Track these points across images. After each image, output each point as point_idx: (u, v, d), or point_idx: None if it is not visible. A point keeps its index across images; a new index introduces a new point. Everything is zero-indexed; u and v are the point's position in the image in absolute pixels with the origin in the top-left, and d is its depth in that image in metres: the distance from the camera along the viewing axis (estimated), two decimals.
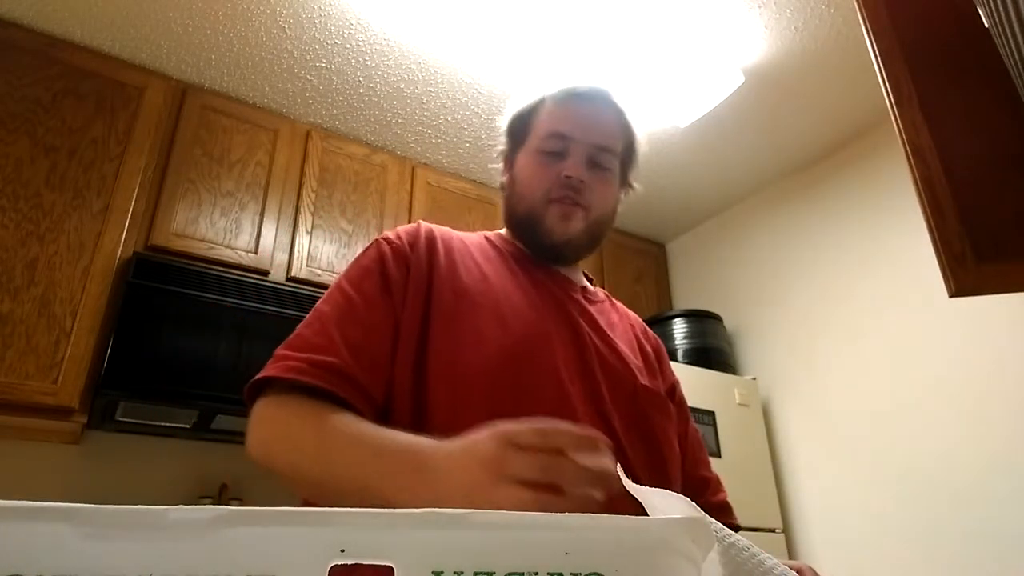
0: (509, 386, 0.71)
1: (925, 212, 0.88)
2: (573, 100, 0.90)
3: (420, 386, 0.70)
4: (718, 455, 2.18)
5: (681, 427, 0.90)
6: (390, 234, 0.83)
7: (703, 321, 2.58)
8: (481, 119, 2.38)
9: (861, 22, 1.00)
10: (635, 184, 0.98)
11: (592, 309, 0.87)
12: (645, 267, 3.05)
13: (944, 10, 0.99)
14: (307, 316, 0.74)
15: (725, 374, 2.41)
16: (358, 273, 0.78)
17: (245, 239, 2.07)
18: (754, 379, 2.49)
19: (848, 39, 2.02)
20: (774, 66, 2.14)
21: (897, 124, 0.92)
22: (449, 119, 2.40)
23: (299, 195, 2.23)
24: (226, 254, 2.01)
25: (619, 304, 0.99)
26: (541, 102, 0.91)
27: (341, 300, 0.74)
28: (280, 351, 0.70)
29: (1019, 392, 1.83)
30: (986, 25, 0.90)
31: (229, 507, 0.24)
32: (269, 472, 0.67)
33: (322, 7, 1.96)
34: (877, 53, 0.97)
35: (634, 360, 0.85)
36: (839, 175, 2.50)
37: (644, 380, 0.83)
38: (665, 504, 0.34)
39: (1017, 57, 0.82)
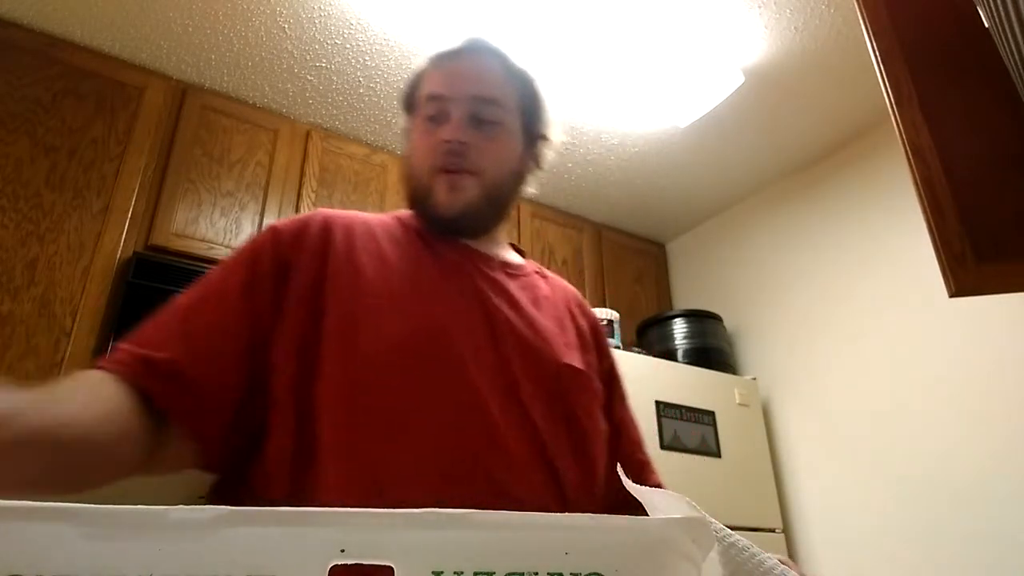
0: (409, 381, 0.66)
1: (925, 212, 0.88)
2: (446, 58, 0.84)
3: (308, 388, 0.64)
4: (718, 455, 2.18)
5: (619, 408, 0.87)
6: (279, 223, 0.76)
7: (703, 321, 2.58)
8: None
9: (861, 22, 1.00)
10: (551, 135, 0.90)
11: (512, 285, 0.81)
12: (645, 267, 3.04)
13: (944, 10, 0.99)
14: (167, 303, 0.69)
15: (725, 374, 2.41)
16: (232, 264, 0.72)
17: (245, 239, 2.07)
18: (754, 379, 2.49)
19: (848, 39, 2.02)
20: (774, 66, 2.14)
21: (897, 124, 0.92)
22: None
23: (299, 195, 2.23)
24: (226, 254, 2.01)
25: (553, 277, 0.92)
26: (423, 70, 0.85)
27: (198, 293, 0.69)
28: (120, 343, 0.64)
29: (1019, 392, 1.83)
30: (986, 25, 0.90)
31: (229, 507, 0.24)
32: None
33: (322, 7, 1.96)
34: (877, 53, 0.97)
35: (559, 337, 0.79)
36: (839, 175, 2.50)
37: (568, 358, 0.77)
38: (665, 504, 0.34)
39: (1017, 57, 0.82)
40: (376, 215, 0.84)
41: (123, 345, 0.62)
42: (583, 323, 0.87)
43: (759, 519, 2.18)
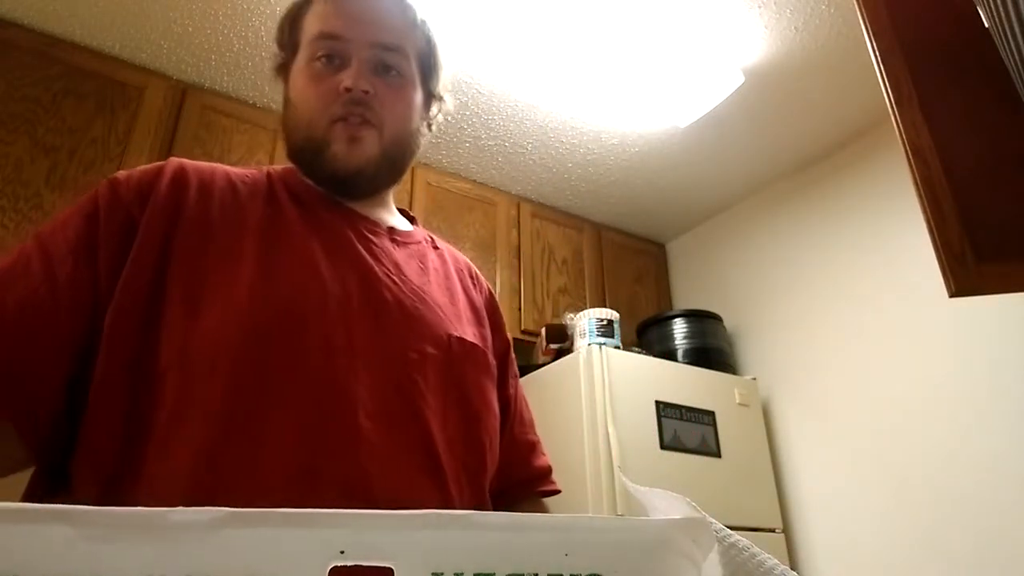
0: (256, 370, 0.57)
1: (925, 212, 0.88)
2: None
3: (145, 371, 0.56)
4: (718, 455, 2.18)
5: (511, 386, 0.82)
6: (121, 174, 0.65)
7: (703, 321, 2.58)
8: (481, 119, 2.38)
9: (861, 22, 1.01)
10: (445, 96, 0.84)
11: (399, 253, 0.73)
12: (645, 267, 3.04)
13: (944, 10, 0.99)
14: None
15: (725, 374, 2.41)
16: (62, 221, 0.61)
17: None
18: (754, 379, 2.49)
19: (848, 39, 2.02)
20: (774, 66, 2.13)
21: (897, 124, 0.92)
22: (449, 119, 2.40)
23: None
24: None
25: (446, 247, 0.85)
26: (306, 2, 0.75)
27: (15, 257, 0.58)
28: None
29: (1019, 392, 1.83)
30: (986, 25, 0.90)
31: (229, 508, 0.24)
32: None
33: None
34: (877, 53, 0.97)
35: (450, 309, 0.73)
36: (839, 175, 2.50)
37: (459, 331, 0.71)
38: (665, 504, 0.34)
39: (1017, 57, 0.82)
40: (244, 169, 0.74)
41: None
42: (476, 296, 0.82)
43: (759, 519, 2.18)
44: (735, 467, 2.20)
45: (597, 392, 2.01)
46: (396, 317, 0.66)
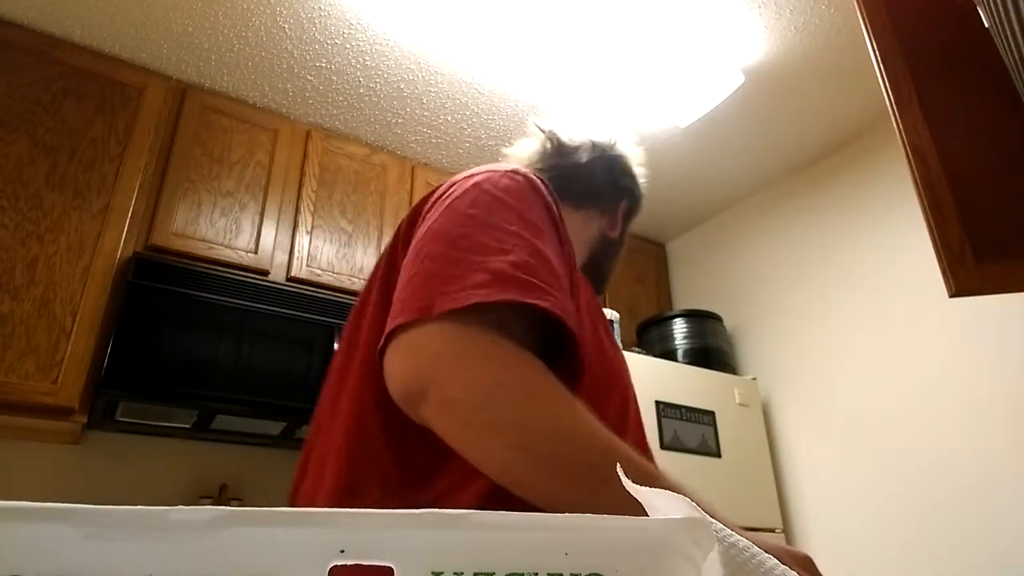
0: (622, 414, 0.73)
1: (925, 212, 0.88)
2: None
3: None
4: (718, 455, 2.18)
5: None
6: (520, 176, 0.66)
7: (703, 321, 2.58)
8: (481, 119, 2.38)
9: (861, 22, 1.01)
10: None
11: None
12: (645, 267, 3.04)
13: (944, 10, 0.99)
14: (501, 235, 0.57)
15: (725, 374, 2.41)
16: (533, 209, 0.63)
17: (245, 239, 2.07)
18: (754, 379, 2.49)
19: (848, 39, 2.02)
20: (774, 66, 2.13)
21: (897, 124, 0.92)
22: (449, 119, 2.40)
23: (299, 195, 2.23)
24: (226, 254, 2.01)
25: None
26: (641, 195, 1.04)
27: (536, 234, 0.60)
28: (519, 274, 0.53)
29: (1019, 392, 1.83)
30: (986, 25, 0.90)
31: (229, 507, 0.24)
32: (463, 430, 0.51)
33: (322, 7, 1.96)
34: (877, 53, 0.97)
35: None
36: (839, 175, 2.50)
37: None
38: (665, 504, 0.34)
39: (1017, 57, 0.82)
40: None
41: (536, 281, 0.54)
42: None
43: (759, 519, 2.18)
44: (735, 467, 2.20)
45: None
46: (627, 373, 0.82)
